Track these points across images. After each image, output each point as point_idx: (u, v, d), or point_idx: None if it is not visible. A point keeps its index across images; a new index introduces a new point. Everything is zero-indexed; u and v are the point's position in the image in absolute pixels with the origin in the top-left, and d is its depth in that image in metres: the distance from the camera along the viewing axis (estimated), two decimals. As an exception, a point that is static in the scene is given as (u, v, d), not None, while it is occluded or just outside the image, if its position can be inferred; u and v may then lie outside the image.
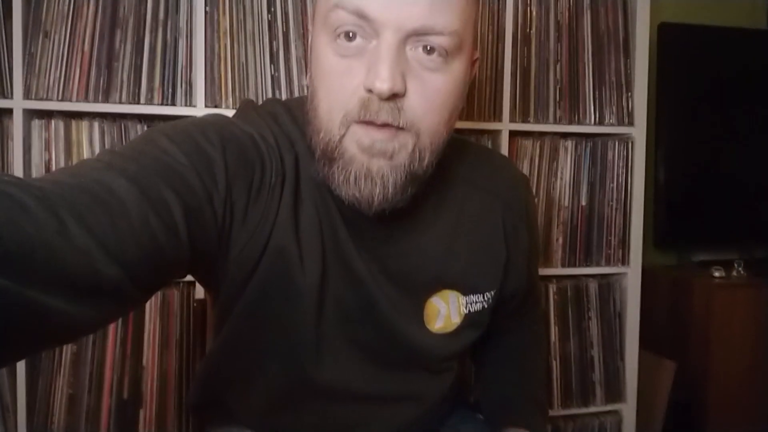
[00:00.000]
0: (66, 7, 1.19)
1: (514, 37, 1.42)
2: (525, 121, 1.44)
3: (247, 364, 0.70)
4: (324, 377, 0.68)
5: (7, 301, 0.34)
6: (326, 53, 0.57)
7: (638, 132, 1.51)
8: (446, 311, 0.71)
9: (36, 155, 1.20)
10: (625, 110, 1.51)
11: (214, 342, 0.72)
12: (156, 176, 0.48)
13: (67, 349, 1.21)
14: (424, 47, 0.55)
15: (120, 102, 1.22)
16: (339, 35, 0.55)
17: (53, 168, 1.20)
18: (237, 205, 0.57)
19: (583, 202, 1.50)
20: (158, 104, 1.24)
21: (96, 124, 1.22)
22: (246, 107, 0.68)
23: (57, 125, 1.21)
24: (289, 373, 0.68)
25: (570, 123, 1.47)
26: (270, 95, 1.28)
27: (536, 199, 1.46)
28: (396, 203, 0.58)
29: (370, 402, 0.71)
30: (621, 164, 1.51)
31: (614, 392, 1.53)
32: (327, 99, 0.57)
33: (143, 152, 0.51)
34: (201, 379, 0.76)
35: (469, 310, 0.72)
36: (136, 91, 1.23)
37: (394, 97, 0.54)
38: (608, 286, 1.54)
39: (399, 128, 0.55)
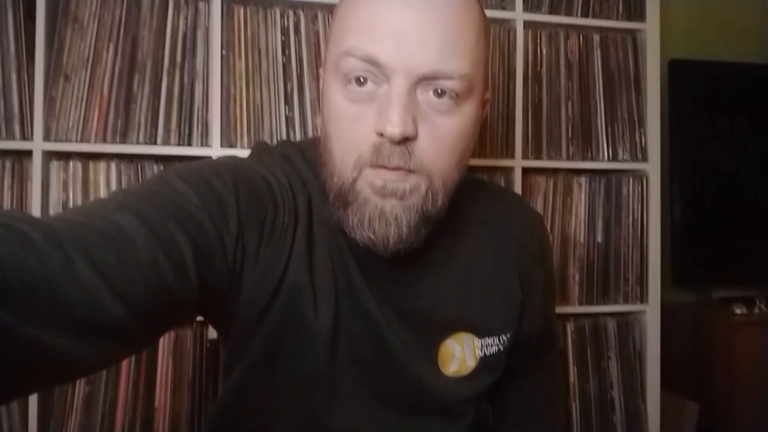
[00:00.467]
0: (86, 52, 1.22)
1: (524, 75, 1.44)
2: (538, 157, 1.44)
3: (259, 407, 0.68)
4: (336, 421, 0.66)
5: (4, 335, 0.33)
6: (338, 98, 0.57)
7: (652, 167, 1.51)
8: (461, 354, 0.69)
9: (54, 196, 1.22)
10: (638, 146, 1.51)
11: (224, 385, 0.70)
12: (167, 216, 0.49)
13: (80, 390, 1.20)
14: (435, 91, 0.55)
15: (137, 143, 1.24)
16: (350, 80, 0.56)
17: (70, 208, 1.21)
18: (249, 246, 0.57)
19: (599, 239, 1.48)
20: (174, 145, 1.26)
21: (113, 165, 1.24)
22: (259, 149, 0.69)
23: (75, 166, 1.23)
24: (301, 416, 0.66)
25: (583, 159, 1.47)
26: (284, 135, 1.30)
27: (551, 236, 1.45)
28: (410, 244, 0.58)
29: None
30: (636, 200, 1.50)
31: (636, 434, 1.49)
32: (339, 143, 0.58)
33: (156, 192, 0.51)
34: (212, 421, 0.75)
35: (485, 353, 0.70)
36: (153, 132, 1.25)
37: (406, 140, 0.55)
38: (627, 324, 1.50)
39: (410, 171, 0.56)
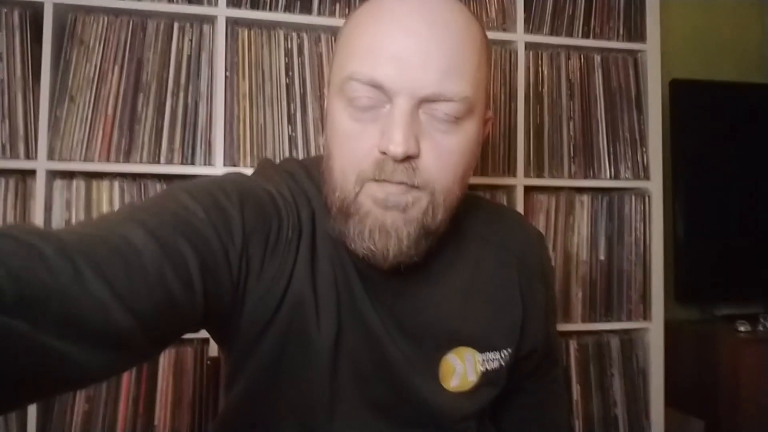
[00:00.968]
0: (92, 73, 1.24)
1: (526, 95, 1.44)
2: (540, 176, 1.45)
3: (260, 420, 0.68)
4: None
5: (21, 343, 0.35)
6: (341, 117, 0.59)
7: (654, 186, 1.51)
8: (462, 369, 0.69)
9: (57, 214, 1.23)
10: (640, 165, 1.51)
11: (225, 399, 0.71)
12: (174, 230, 0.49)
13: (79, 408, 1.20)
14: (436, 111, 0.57)
15: (140, 162, 1.25)
16: (353, 105, 0.57)
17: (74, 227, 1.22)
18: (253, 260, 0.58)
19: (602, 257, 1.48)
20: (178, 164, 1.27)
21: (116, 184, 1.25)
22: (265, 165, 0.70)
23: (78, 185, 1.24)
24: (301, 429, 0.66)
25: (585, 177, 1.48)
26: (287, 155, 1.30)
27: (554, 254, 1.45)
28: (410, 257, 0.59)
29: None
30: (638, 218, 1.51)
31: (641, 454, 1.47)
32: (341, 160, 0.59)
33: (163, 206, 0.52)
34: None
35: (486, 368, 0.71)
36: (157, 151, 1.26)
37: (408, 158, 0.56)
38: (630, 341, 1.50)
39: (414, 186, 0.57)
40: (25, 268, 0.37)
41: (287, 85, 1.31)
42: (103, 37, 1.24)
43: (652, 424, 1.48)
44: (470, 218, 0.73)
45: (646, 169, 1.51)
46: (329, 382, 0.65)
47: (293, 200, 0.63)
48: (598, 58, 1.51)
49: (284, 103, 1.31)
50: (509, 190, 1.44)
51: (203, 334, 0.65)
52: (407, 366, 0.67)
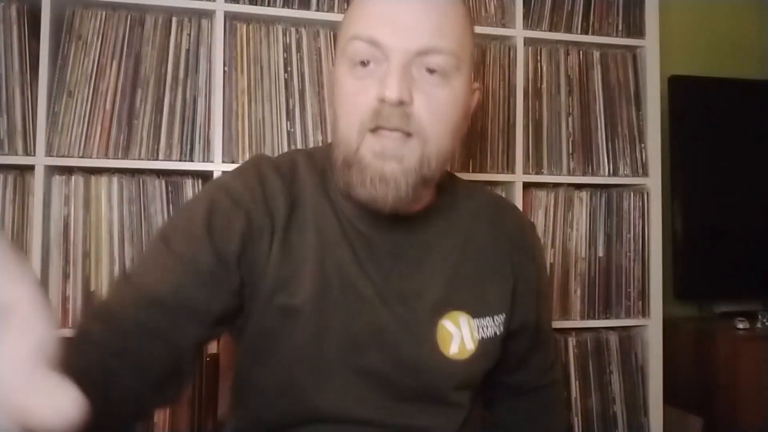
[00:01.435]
0: (90, 68, 1.23)
1: (525, 91, 1.44)
2: (538, 172, 1.45)
3: (258, 392, 0.72)
4: (327, 403, 0.68)
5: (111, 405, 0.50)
6: (345, 79, 0.67)
7: (653, 182, 1.51)
8: (459, 336, 0.72)
9: (55, 210, 1.22)
10: (638, 161, 1.51)
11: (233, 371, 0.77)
12: (181, 290, 0.61)
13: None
14: (427, 68, 0.65)
15: (139, 158, 1.24)
16: (356, 63, 0.66)
17: (71, 222, 1.22)
18: (242, 268, 0.65)
19: (600, 254, 1.48)
20: (176, 160, 1.26)
21: (115, 180, 1.25)
22: (245, 163, 0.75)
23: (77, 181, 1.23)
24: (291, 397, 0.69)
25: (584, 174, 1.48)
26: (286, 150, 1.30)
27: (552, 250, 1.45)
28: (408, 203, 0.66)
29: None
30: (637, 215, 1.50)
31: (639, 451, 1.47)
32: (345, 117, 0.67)
33: (166, 267, 0.62)
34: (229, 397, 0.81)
35: (482, 336, 0.73)
36: (155, 147, 1.25)
37: (402, 105, 0.63)
38: (629, 338, 1.50)
39: (408, 134, 0.64)
40: (100, 381, 0.51)
41: (286, 81, 1.31)
42: (101, 32, 1.24)
43: (651, 421, 1.48)
44: (465, 198, 0.80)
45: (644, 165, 1.51)
46: (315, 350, 0.67)
47: (259, 184, 0.69)
48: (597, 54, 1.51)
49: (283, 99, 1.30)
50: (508, 186, 1.44)
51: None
52: (401, 330, 0.69)
